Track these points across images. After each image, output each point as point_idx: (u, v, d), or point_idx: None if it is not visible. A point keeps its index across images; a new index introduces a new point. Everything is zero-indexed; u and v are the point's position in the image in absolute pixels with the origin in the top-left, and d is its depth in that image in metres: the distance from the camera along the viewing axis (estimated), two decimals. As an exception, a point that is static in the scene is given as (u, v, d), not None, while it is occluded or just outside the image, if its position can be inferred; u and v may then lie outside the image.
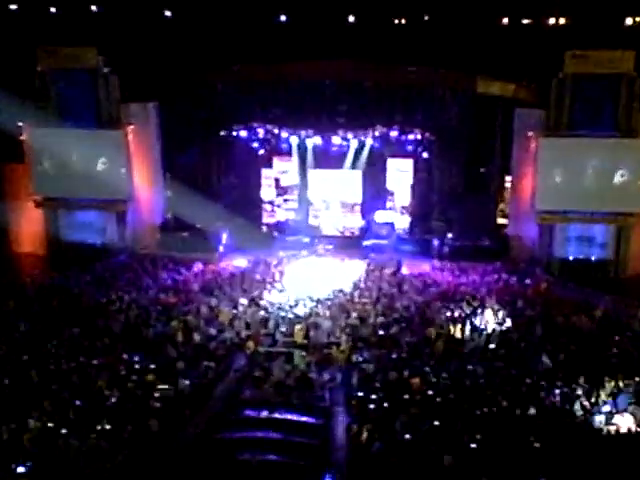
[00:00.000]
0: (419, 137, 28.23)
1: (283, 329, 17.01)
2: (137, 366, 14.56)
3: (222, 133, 28.62)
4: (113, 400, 12.80)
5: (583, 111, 24.47)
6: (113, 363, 14.53)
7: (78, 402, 12.55)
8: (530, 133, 25.15)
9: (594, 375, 13.72)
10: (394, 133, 27.97)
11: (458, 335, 16.99)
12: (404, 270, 24.10)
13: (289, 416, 13.45)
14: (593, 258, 25.28)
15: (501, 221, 27.92)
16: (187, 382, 13.81)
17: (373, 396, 13.36)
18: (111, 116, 25.80)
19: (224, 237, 26.74)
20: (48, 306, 18.41)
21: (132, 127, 26.06)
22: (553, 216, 25.23)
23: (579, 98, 24.41)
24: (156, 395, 13.16)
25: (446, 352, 15.81)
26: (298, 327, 16.76)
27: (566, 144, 24.70)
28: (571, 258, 25.37)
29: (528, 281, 22.25)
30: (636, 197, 24.45)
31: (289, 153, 29.30)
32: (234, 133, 28.66)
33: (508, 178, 27.29)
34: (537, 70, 24.33)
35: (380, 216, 28.87)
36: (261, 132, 28.76)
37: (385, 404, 13.03)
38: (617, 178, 24.46)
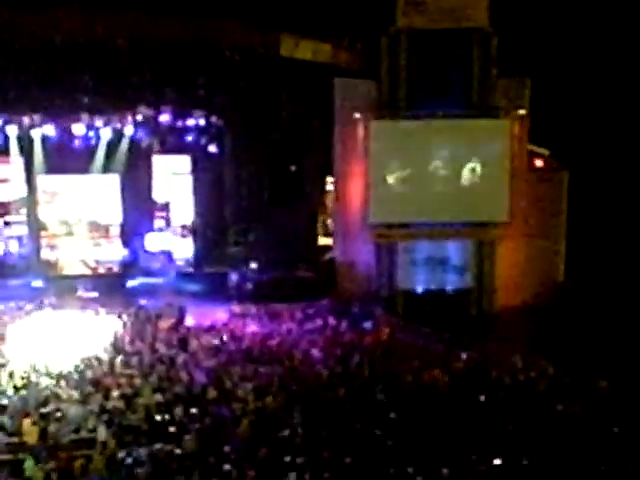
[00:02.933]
0: (202, 122, 28.52)
1: (6, 424, 16.25)
2: None
3: None
4: None
5: (425, 81, 26.39)
6: None
7: None
8: (356, 114, 26.42)
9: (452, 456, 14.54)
10: (165, 117, 28.03)
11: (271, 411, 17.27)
12: (189, 321, 24.16)
13: None
14: (449, 288, 27.08)
15: (323, 241, 28.96)
16: None
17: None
18: None
19: None
20: None
21: None
22: (392, 232, 26.67)
23: (419, 62, 26.32)
24: None
25: (256, 438, 15.94)
26: (29, 420, 16.12)
27: (405, 129, 26.38)
28: (420, 290, 26.98)
29: (365, 325, 23.27)
30: (497, 199, 26.60)
31: (6, 151, 28.31)
32: None
33: (331, 179, 28.33)
34: (361, 25, 25.65)
35: (151, 242, 28.75)
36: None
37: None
38: (467, 174, 26.45)
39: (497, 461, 14.36)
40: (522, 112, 26.55)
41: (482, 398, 17.47)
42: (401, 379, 18.80)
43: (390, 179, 26.37)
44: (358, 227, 26.88)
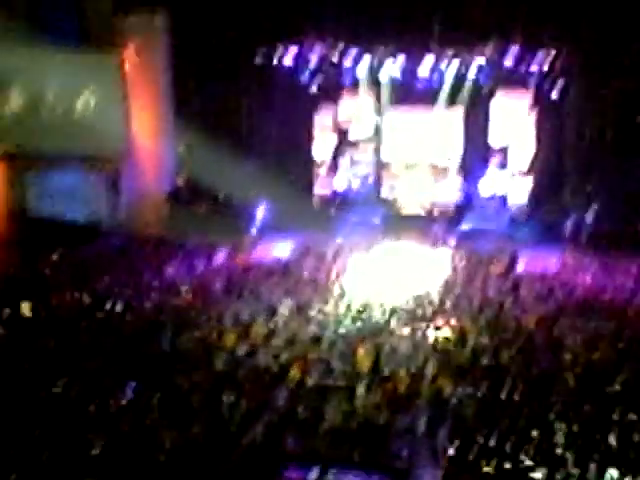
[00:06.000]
0: (546, 68, 27.74)
1: (342, 353, 17.09)
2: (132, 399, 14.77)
3: (257, 60, 28.66)
4: (97, 450, 12.94)
5: None
6: (101, 395, 14.84)
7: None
8: None
9: None
10: (509, 58, 27.49)
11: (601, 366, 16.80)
12: (520, 267, 23.96)
13: (349, 478, 13.59)
14: None
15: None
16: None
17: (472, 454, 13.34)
18: (101, 33, 25.87)
19: (259, 213, 27.06)
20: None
21: (132, 48, 26.27)
22: None
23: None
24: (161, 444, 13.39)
25: (582, 392, 15.64)
26: (363, 350, 16.83)
27: None
28: None
29: None
30: None
31: (357, 87, 29.11)
32: (274, 62, 28.68)
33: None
34: None
35: (488, 186, 28.60)
36: (314, 56, 28.63)
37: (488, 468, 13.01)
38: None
39: None
40: None
41: None
42: None
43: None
44: None
